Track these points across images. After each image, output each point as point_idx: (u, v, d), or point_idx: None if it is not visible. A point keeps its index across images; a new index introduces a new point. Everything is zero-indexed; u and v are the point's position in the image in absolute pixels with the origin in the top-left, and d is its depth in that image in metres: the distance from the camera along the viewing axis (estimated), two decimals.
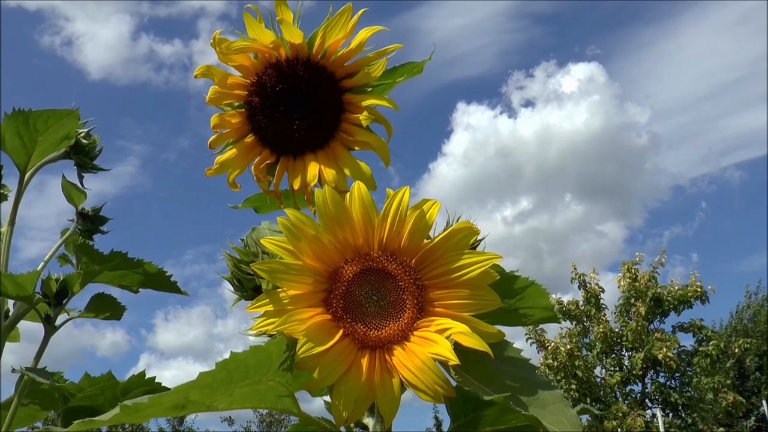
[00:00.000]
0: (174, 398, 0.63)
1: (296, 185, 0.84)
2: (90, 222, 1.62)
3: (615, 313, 13.78)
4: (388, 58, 0.81)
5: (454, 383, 0.67)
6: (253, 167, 0.86)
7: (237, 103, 0.84)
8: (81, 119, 1.44)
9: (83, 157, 1.51)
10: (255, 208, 0.99)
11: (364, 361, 0.67)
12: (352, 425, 0.78)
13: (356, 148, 0.85)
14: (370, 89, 0.85)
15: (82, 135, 1.50)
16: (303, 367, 0.67)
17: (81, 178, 1.54)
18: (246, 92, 0.83)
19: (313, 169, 0.84)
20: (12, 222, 1.46)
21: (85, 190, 1.58)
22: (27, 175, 1.46)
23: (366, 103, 0.82)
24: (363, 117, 0.82)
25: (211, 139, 0.84)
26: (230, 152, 0.85)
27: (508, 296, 0.86)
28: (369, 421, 0.77)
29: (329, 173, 0.83)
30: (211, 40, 0.77)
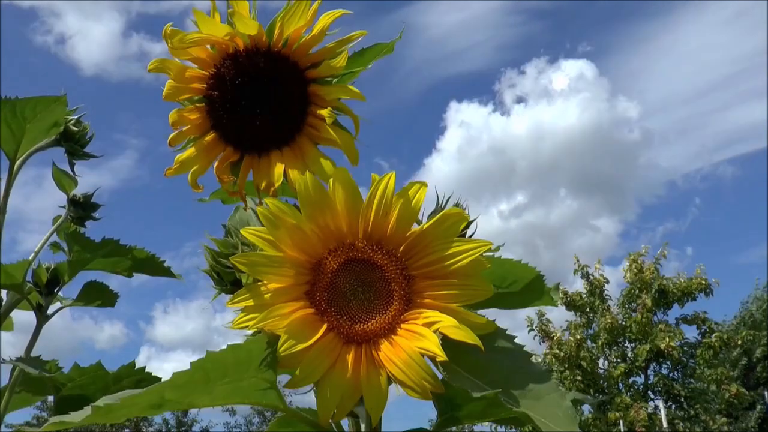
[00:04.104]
0: (149, 398, 0.60)
1: (262, 186, 0.79)
2: (81, 209, 1.59)
3: (618, 305, 13.77)
4: (357, 43, 0.76)
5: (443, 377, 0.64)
6: (215, 167, 0.81)
7: (196, 98, 0.79)
8: (71, 107, 1.42)
9: (73, 144, 1.48)
10: (222, 199, 0.95)
11: (350, 357, 0.64)
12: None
13: (323, 144, 0.80)
14: (336, 79, 0.79)
15: (71, 122, 1.47)
16: (286, 365, 0.64)
17: (72, 165, 1.51)
18: (205, 86, 0.77)
19: (278, 168, 0.79)
20: (3, 211, 1.44)
21: (76, 177, 1.55)
22: (17, 164, 1.44)
23: (332, 96, 0.77)
24: (326, 113, 0.76)
25: (170, 137, 0.79)
26: (189, 151, 0.80)
27: (499, 280, 0.83)
28: (360, 410, 0.74)
29: (294, 173, 0.78)
30: (163, 33, 0.72)
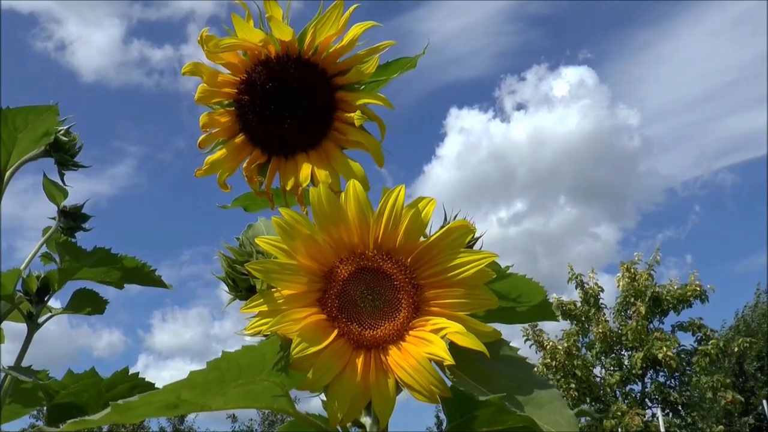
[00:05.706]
0: (166, 397, 0.62)
1: (288, 186, 0.83)
2: (71, 219, 1.61)
3: (613, 313, 13.79)
4: (380, 54, 0.79)
5: (450, 383, 0.67)
6: (243, 168, 0.84)
7: (226, 102, 0.82)
8: (63, 116, 1.42)
9: (63, 154, 1.49)
10: (244, 207, 0.97)
11: (359, 362, 0.67)
12: (348, 424, 0.77)
13: (349, 147, 0.84)
14: (362, 86, 0.83)
15: (61, 132, 1.48)
16: (298, 368, 0.66)
17: (62, 175, 1.52)
18: (235, 90, 0.81)
19: (305, 169, 0.82)
20: None
21: (66, 187, 1.56)
22: (7, 174, 1.44)
23: (359, 101, 0.81)
24: (356, 116, 0.80)
25: (200, 139, 0.82)
26: (220, 152, 0.83)
27: (505, 294, 0.85)
28: (366, 420, 0.77)
29: (321, 174, 0.81)
30: (198, 38, 0.75)
